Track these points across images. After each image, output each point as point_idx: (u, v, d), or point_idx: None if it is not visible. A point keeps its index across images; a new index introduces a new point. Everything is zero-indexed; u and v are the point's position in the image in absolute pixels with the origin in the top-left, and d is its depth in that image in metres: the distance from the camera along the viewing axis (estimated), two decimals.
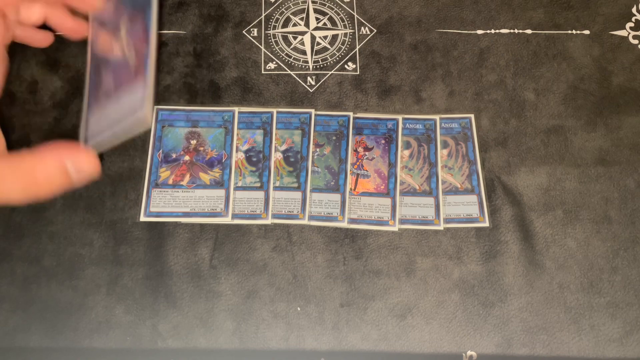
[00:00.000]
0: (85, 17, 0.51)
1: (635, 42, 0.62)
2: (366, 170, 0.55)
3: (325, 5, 0.64)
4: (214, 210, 0.52)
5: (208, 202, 0.53)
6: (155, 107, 0.56)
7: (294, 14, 0.63)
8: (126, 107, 0.38)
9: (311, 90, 0.59)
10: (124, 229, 0.52)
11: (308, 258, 0.52)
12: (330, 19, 0.63)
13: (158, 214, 0.52)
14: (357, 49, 0.61)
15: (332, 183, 0.54)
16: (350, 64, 0.60)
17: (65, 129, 0.56)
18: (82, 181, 0.38)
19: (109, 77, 0.42)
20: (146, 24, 0.39)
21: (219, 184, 0.53)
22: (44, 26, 0.53)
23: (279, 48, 0.61)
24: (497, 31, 0.62)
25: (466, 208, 0.54)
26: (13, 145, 0.56)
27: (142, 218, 0.52)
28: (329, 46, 0.61)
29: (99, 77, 0.43)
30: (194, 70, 0.60)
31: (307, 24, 0.63)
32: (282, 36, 0.62)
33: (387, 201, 0.53)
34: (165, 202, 0.53)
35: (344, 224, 0.52)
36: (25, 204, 0.37)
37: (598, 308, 0.50)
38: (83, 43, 0.61)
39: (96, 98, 0.42)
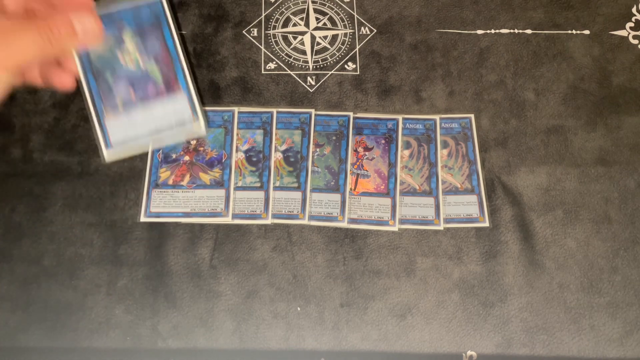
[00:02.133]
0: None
1: (635, 42, 0.62)
2: (366, 170, 0.55)
3: (325, 5, 0.64)
4: (214, 210, 0.52)
5: (208, 202, 0.53)
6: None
7: (294, 14, 0.63)
8: (169, 119, 0.43)
9: (311, 90, 0.59)
10: (124, 229, 0.52)
11: (308, 258, 0.52)
12: (330, 19, 0.63)
13: (158, 214, 0.52)
14: (357, 49, 0.61)
15: (332, 183, 0.54)
16: (350, 64, 0.60)
17: (65, 129, 0.56)
18: (88, 41, 0.39)
19: (124, 88, 0.44)
20: (166, 41, 0.44)
21: (219, 183, 0.53)
22: None
23: (279, 48, 0.61)
24: (497, 31, 0.62)
25: (466, 208, 0.54)
26: (14, 145, 0.56)
27: (142, 218, 0.52)
28: (329, 46, 0.61)
29: (105, 86, 0.45)
30: (194, 70, 0.60)
31: (307, 24, 0.63)
32: (282, 36, 0.62)
33: (387, 201, 0.53)
34: (166, 202, 0.53)
35: (344, 224, 0.53)
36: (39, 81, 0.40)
37: (598, 308, 0.50)
38: None
39: (110, 107, 0.45)
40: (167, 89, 0.44)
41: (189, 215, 0.52)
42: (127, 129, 0.44)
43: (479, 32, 0.62)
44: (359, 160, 0.55)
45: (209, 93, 0.58)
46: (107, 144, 0.43)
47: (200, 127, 0.43)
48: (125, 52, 0.45)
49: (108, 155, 0.43)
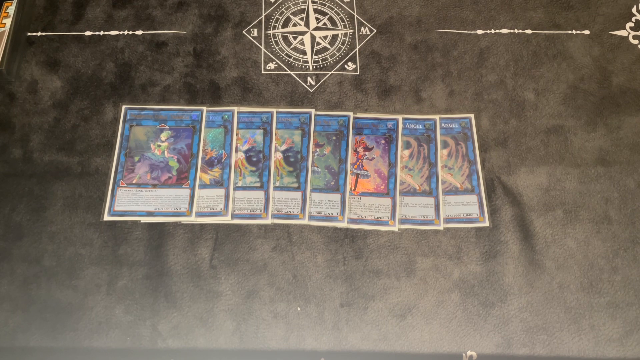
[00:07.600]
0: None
1: (635, 42, 0.62)
2: (366, 170, 0.55)
3: (325, 5, 0.64)
4: (214, 209, 0.52)
5: (208, 201, 0.53)
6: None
7: (294, 14, 0.63)
8: (169, 204, 0.52)
9: (311, 90, 0.59)
10: (124, 229, 0.52)
11: (308, 258, 0.52)
12: (330, 19, 0.63)
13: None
14: (357, 49, 0.61)
15: (332, 183, 0.54)
16: (350, 64, 0.60)
17: (65, 129, 0.56)
18: None
19: (144, 167, 0.54)
20: (192, 147, 0.54)
21: (218, 183, 0.53)
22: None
23: (279, 48, 0.61)
24: (497, 31, 0.62)
25: (466, 208, 0.54)
26: (14, 145, 0.56)
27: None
28: (329, 46, 0.61)
29: (131, 160, 0.54)
30: (194, 70, 0.60)
31: (307, 24, 0.63)
32: (282, 36, 0.62)
33: (387, 201, 0.53)
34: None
35: (344, 224, 0.52)
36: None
37: (598, 308, 0.50)
38: (83, 43, 0.61)
39: (125, 177, 0.54)
40: (177, 179, 0.53)
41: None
42: (130, 203, 0.52)
43: (479, 32, 0.62)
44: (359, 160, 0.55)
45: (209, 93, 0.58)
46: (110, 210, 0.52)
47: (190, 217, 0.52)
48: (158, 142, 0.55)
49: (107, 217, 0.52)
